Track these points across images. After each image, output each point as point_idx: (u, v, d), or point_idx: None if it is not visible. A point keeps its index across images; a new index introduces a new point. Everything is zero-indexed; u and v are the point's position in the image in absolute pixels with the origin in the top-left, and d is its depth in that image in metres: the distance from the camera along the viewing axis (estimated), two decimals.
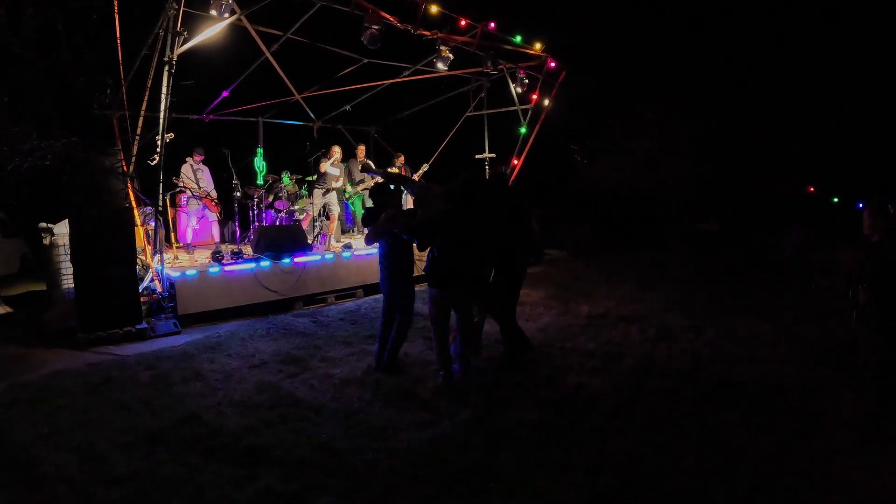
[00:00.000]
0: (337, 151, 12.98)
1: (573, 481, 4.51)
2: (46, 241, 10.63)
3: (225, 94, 12.59)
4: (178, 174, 11.80)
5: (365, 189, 13.63)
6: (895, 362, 5.57)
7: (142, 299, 9.25)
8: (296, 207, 13.08)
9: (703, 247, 17.88)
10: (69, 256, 9.16)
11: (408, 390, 6.45)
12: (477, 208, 6.52)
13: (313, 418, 5.79)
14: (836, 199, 15.95)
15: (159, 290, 9.45)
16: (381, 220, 6.77)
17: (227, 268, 10.09)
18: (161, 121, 9.18)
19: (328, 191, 12.77)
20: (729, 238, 18.81)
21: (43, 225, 10.73)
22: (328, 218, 12.82)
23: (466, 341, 6.70)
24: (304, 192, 13.45)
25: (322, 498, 4.30)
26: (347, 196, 13.94)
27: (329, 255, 11.58)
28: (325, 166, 12.63)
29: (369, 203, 7.98)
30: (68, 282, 10.03)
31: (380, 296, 11.64)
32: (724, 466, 4.77)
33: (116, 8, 8.96)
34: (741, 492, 4.37)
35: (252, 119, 14.80)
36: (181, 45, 8.90)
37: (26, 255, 15.56)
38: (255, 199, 12.62)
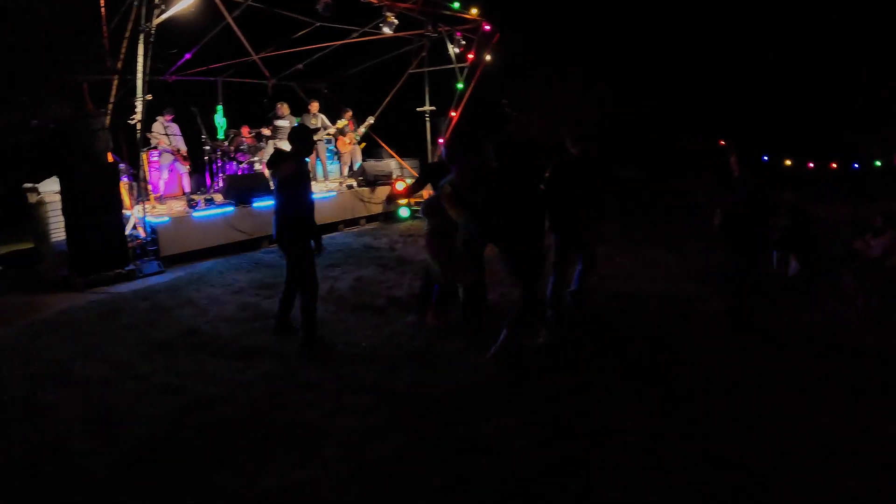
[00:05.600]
0: (285, 107, 14.59)
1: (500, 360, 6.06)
2: (33, 199, 11.50)
3: (188, 56, 13.54)
4: (149, 131, 12.83)
5: (318, 140, 14.98)
6: (747, 276, 7.12)
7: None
8: (255, 159, 14.32)
9: (623, 191, 19.51)
10: (60, 210, 9.99)
11: (365, 304, 8.01)
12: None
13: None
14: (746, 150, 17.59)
15: (142, 235, 10.61)
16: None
17: (202, 213, 11.35)
18: (140, 84, 10.20)
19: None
20: (647, 184, 20.49)
21: (28, 185, 11.61)
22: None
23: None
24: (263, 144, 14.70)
25: (309, 374, 5.83)
26: None
27: None
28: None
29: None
30: (57, 235, 10.75)
31: (334, 234, 13.25)
32: (614, 345, 6.48)
33: None
34: (628, 362, 6.00)
35: (212, 78, 15.82)
36: (158, 17, 9.89)
37: None
38: (219, 153, 13.89)
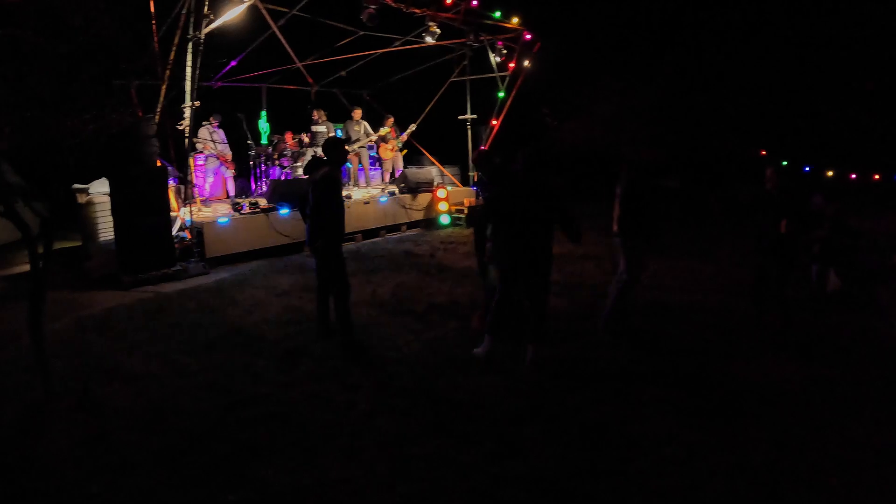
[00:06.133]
0: (322, 114, 14.97)
1: (538, 367, 6.10)
2: (82, 199, 11.82)
3: (233, 63, 13.86)
4: (195, 136, 13.14)
5: (361, 147, 15.20)
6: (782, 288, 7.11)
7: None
8: (297, 164, 14.56)
9: (662, 200, 19.28)
10: (108, 210, 10.31)
11: (406, 310, 8.12)
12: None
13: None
14: (785, 163, 17.31)
15: (188, 237, 10.88)
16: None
17: (246, 216, 11.61)
18: (188, 91, 10.48)
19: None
20: (687, 193, 20.26)
21: (78, 186, 11.92)
22: None
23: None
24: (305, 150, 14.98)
25: (351, 376, 5.95)
26: None
27: None
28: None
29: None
30: (105, 234, 11.13)
31: (376, 239, 13.44)
32: (648, 355, 6.49)
33: None
34: (661, 372, 6.03)
35: (256, 85, 16.16)
36: (207, 26, 10.16)
37: (46, 218, 16.46)
38: (263, 157, 14.17)
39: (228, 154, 13.97)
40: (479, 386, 5.71)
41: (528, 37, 16.06)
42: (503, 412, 5.19)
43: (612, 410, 5.22)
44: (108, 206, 10.29)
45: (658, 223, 7.03)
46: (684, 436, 4.76)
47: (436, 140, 18.00)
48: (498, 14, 14.82)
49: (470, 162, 16.81)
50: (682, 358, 6.42)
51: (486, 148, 16.35)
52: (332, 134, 14.81)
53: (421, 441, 4.71)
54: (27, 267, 5.90)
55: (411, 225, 15.18)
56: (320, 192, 6.61)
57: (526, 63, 16.55)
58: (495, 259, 6.26)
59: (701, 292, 8.95)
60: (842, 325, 7.46)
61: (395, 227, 14.71)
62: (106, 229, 11.06)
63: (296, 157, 14.54)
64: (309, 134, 14.88)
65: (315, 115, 14.97)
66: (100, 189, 11.47)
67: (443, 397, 5.50)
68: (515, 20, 15.46)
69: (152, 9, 10.09)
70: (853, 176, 21.58)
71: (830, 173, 21.25)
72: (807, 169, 19.77)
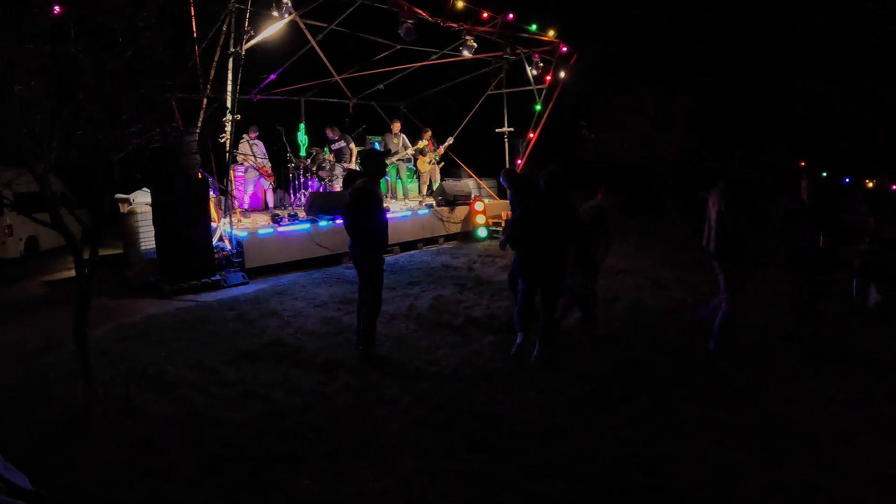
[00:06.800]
0: (335, 130, 15.08)
1: (576, 382, 6.09)
2: (124, 208, 12.06)
3: (272, 76, 14.06)
4: (236, 149, 13.35)
5: (399, 160, 15.30)
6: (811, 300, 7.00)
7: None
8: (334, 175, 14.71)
9: (699, 212, 19.03)
10: (149, 220, 10.51)
11: (444, 323, 8.12)
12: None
13: None
14: (824, 174, 17.02)
15: (228, 247, 11.02)
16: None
17: (286, 228, 11.72)
18: (229, 104, 10.66)
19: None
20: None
21: (121, 195, 12.16)
22: None
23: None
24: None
25: (388, 389, 5.97)
26: None
27: None
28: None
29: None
30: (146, 243, 11.38)
31: (413, 252, 13.50)
32: (684, 372, 6.39)
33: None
34: (697, 390, 5.94)
35: (295, 98, 16.36)
36: (247, 42, 10.35)
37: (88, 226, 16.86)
38: (301, 169, 14.33)
39: (268, 166, 14.16)
40: (515, 401, 5.70)
41: (565, 49, 16.08)
42: (539, 428, 5.17)
43: (649, 428, 5.17)
44: (150, 215, 10.47)
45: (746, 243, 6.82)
46: (721, 455, 4.70)
47: (473, 153, 18.09)
48: (534, 27, 14.87)
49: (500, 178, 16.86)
50: (720, 375, 6.34)
51: (521, 163, 16.42)
52: (350, 145, 14.93)
53: (456, 455, 4.71)
54: (70, 272, 6.02)
55: (449, 238, 15.25)
56: (356, 203, 6.65)
57: (562, 75, 16.56)
58: (516, 267, 6.47)
59: (742, 307, 8.78)
60: (884, 342, 7.29)
61: (432, 240, 14.78)
62: (147, 238, 11.26)
63: (334, 169, 14.68)
64: (332, 154, 14.98)
65: (329, 133, 15.03)
66: (142, 199, 11.69)
67: (479, 412, 5.49)
68: (552, 33, 15.48)
69: (193, 26, 10.27)
70: (894, 187, 21.11)
71: (871, 184, 20.81)
72: (847, 180, 19.36)
